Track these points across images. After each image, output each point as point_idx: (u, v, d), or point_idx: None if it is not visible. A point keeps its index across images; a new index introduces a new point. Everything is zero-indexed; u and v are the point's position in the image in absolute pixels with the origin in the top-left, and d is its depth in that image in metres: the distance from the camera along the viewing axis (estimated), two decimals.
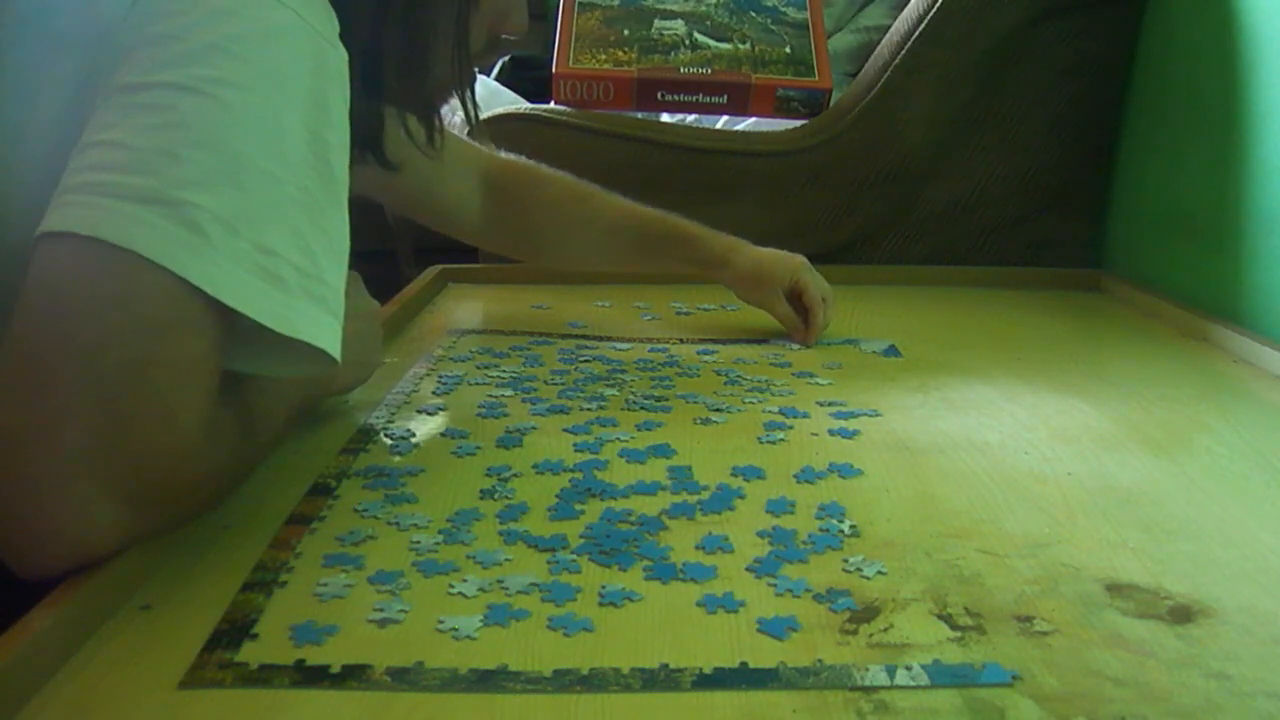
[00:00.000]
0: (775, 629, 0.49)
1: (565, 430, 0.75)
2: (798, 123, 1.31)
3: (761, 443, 0.74)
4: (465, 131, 1.01)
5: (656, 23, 1.36)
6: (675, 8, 1.38)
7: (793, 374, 0.90)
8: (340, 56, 0.56)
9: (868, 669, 0.46)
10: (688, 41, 1.34)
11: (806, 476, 0.67)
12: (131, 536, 0.51)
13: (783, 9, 1.39)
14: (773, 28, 1.37)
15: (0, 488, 0.47)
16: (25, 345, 0.47)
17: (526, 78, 2.13)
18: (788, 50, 1.34)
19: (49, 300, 0.48)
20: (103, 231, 0.47)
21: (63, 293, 0.48)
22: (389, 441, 0.73)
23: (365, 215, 1.03)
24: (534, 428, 0.75)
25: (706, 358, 0.95)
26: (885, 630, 0.49)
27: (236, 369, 0.55)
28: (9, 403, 0.47)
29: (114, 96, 0.50)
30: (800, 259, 1.02)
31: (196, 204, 0.48)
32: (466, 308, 1.16)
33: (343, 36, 0.56)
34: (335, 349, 0.54)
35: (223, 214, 0.49)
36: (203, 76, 0.50)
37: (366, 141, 0.70)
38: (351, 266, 0.79)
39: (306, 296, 0.52)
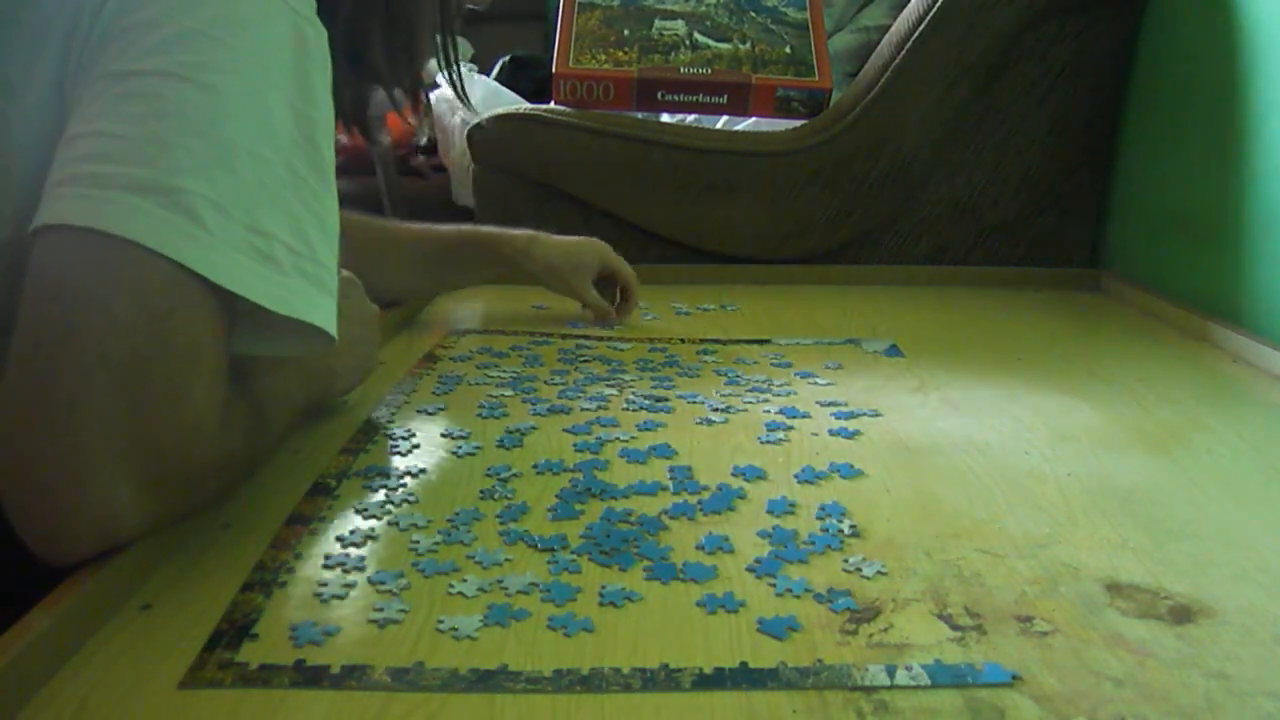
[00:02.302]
0: (775, 629, 0.49)
1: (565, 430, 0.75)
2: (798, 123, 1.31)
3: (762, 443, 0.74)
4: (456, 105, 1.03)
5: (657, 23, 1.36)
6: (675, 8, 1.38)
7: (793, 374, 0.90)
8: (319, 33, 0.56)
9: (868, 669, 0.46)
10: (688, 41, 1.34)
11: (807, 477, 0.67)
12: (153, 520, 0.51)
13: (783, 9, 1.39)
14: (773, 28, 1.37)
15: (22, 479, 0.48)
16: (33, 337, 0.48)
17: (526, 78, 2.14)
18: (788, 50, 1.34)
19: (53, 292, 0.48)
20: (101, 222, 0.47)
21: (66, 285, 0.48)
22: (389, 441, 0.73)
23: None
24: (534, 428, 0.75)
25: (707, 358, 0.95)
26: (885, 630, 0.50)
27: (239, 350, 0.55)
28: (24, 396, 0.48)
29: (98, 85, 0.51)
30: (603, 243, 1.06)
31: (190, 190, 0.49)
32: (466, 307, 1.16)
33: (322, 14, 0.57)
34: (331, 327, 0.55)
35: (216, 198, 0.50)
36: (187, 63, 0.51)
37: (351, 117, 0.70)
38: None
39: (301, 276, 0.53)
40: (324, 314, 0.55)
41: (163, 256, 0.48)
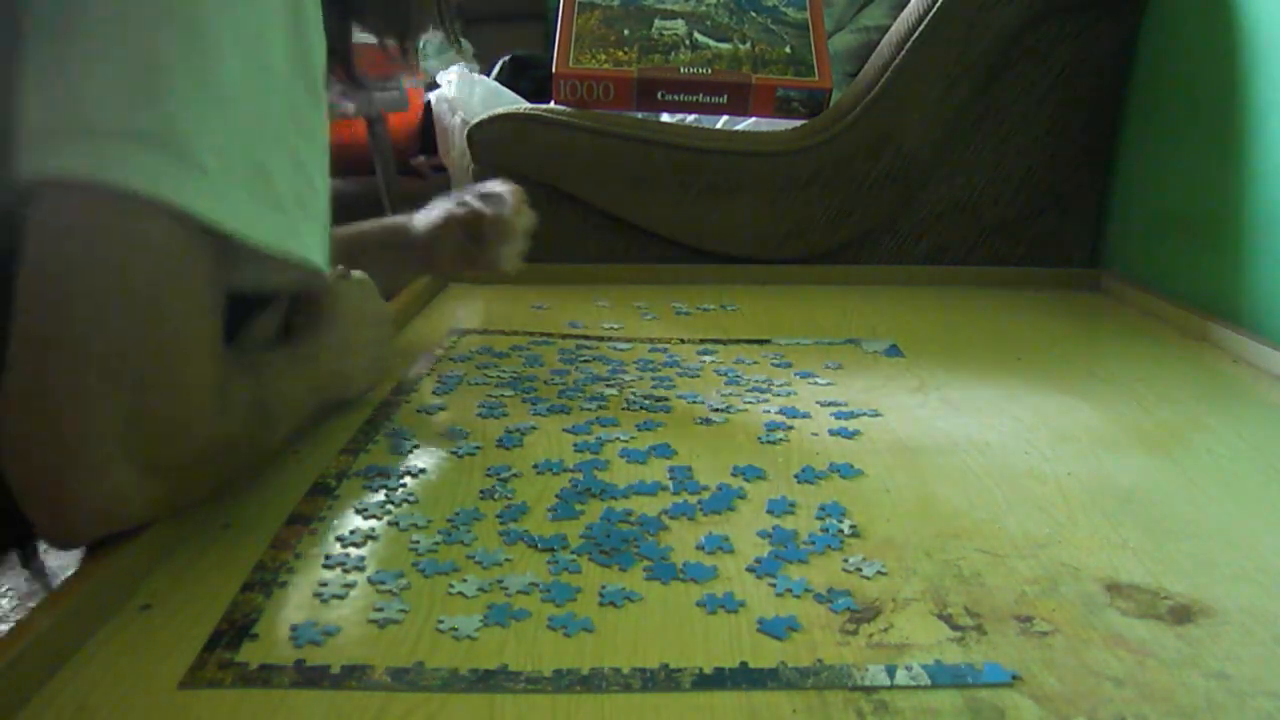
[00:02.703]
0: (775, 629, 0.49)
1: (565, 430, 0.75)
2: (798, 123, 1.31)
3: (762, 443, 0.74)
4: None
5: (657, 23, 1.36)
6: (675, 8, 1.38)
7: (793, 374, 0.90)
8: None
9: (868, 669, 0.46)
10: (688, 41, 1.34)
11: (807, 476, 0.67)
12: (158, 502, 0.51)
13: (783, 9, 1.39)
14: (773, 27, 1.37)
15: (24, 461, 0.47)
16: (26, 320, 0.47)
17: (526, 78, 2.14)
18: (788, 50, 1.34)
19: (53, 254, 0.47)
20: (101, 174, 0.46)
21: (66, 244, 0.47)
22: (389, 441, 0.73)
23: (366, 217, 1.03)
24: (534, 428, 0.75)
25: (707, 358, 0.95)
26: (885, 630, 0.50)
27: (235, 283, 0.55)
28: (21, 379, 0.47)
29: (82, 23, 0.49)
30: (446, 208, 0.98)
31: (188, 133, 0.48)
32: (466, 307, 1.16)
33: None
34: (324, 262, 0.55)
35: (214, 141, 0.49)
36: (175, 2, 0.49)
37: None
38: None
39: (301, 211, 0.53)
40: (320, 249, 0.54)
41: (164, 204, 0.47)
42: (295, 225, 0.53)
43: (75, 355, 0.47)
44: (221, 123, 0.50)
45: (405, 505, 0.62)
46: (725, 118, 1.42)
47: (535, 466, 0.68)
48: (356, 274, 0.76)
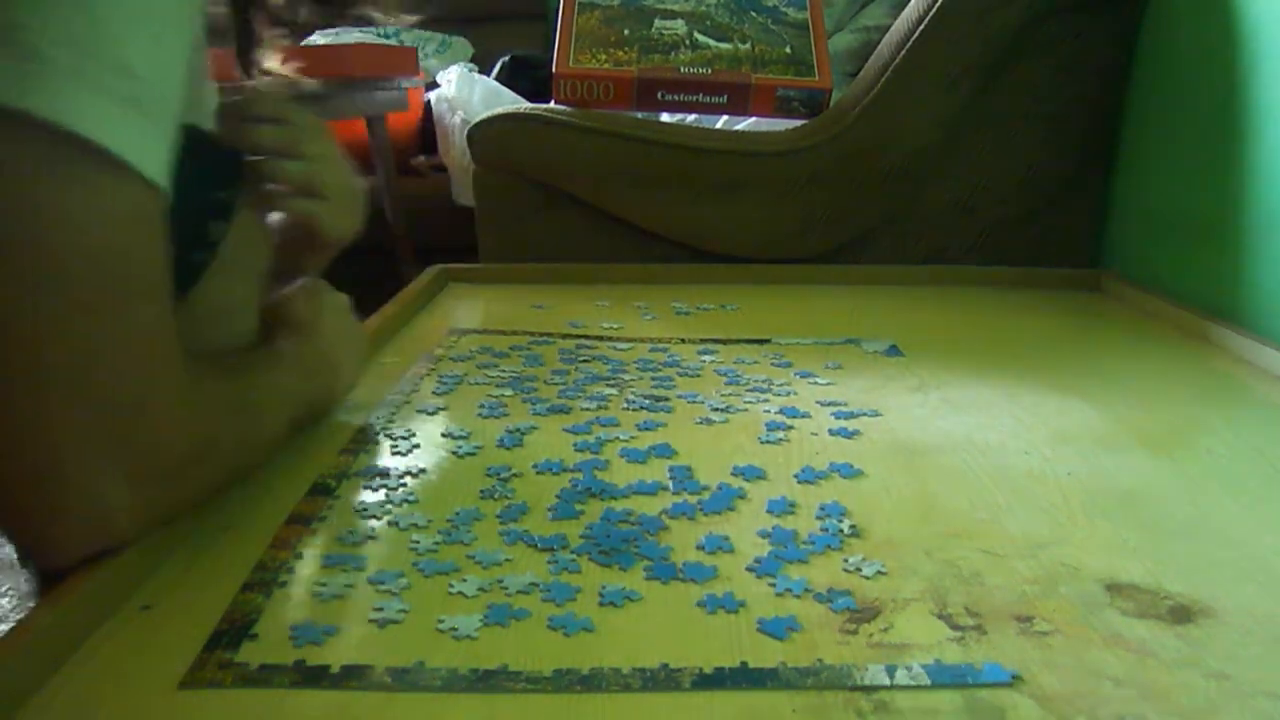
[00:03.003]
0: (775, 629, 0.49)
1: (565, 430, 0.75)
2: (798, 123, 1.31)
3: (762, 443, 0.74)
4: None
5: (657, 22, 1.36)
6: (676, 7, 1.38)
7: (793, 374, 0.90)
8: None
9: (868, 669, 0.46)
10: (688, 41, 1.34)
11: (807, 476, 0.67)
12: (144, 517, 0.50)
13: (783, 9, 1.39)
14: (773, 27, 1.37)
15: (4, 485, 0.47)
16: None
17: (526, 78, 2.14)
18: (788, 50, 1.34)
19: None
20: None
21: None
22: (389, 441, 0.73)
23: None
24: (534, 427, 0.75)
25: (707, 358, 0.95)
26: (885, 630, 0.50)
27: None
28: None
29: None
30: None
31: (27, 24, 0.42)
32: (466, 307, 1.16)
33: None
34: (163, 176, 0.48)
35: (63, 33, 0.43)
36: None
37: None
38: (351, 265, 0.80)
39: (150, 120, 0.47)
40: (157, 165, 0.47)
41: (109, 185, 0.43)
42: (148, 133, 0.46)
43: (27, 375, 0.45)
44: (73, 12, 0.43)
45: (405, 505, 0.62)
46: (725, 118, 1.42)
47: (535, 466, 0.68)
48: (308, 279, 0.74)
